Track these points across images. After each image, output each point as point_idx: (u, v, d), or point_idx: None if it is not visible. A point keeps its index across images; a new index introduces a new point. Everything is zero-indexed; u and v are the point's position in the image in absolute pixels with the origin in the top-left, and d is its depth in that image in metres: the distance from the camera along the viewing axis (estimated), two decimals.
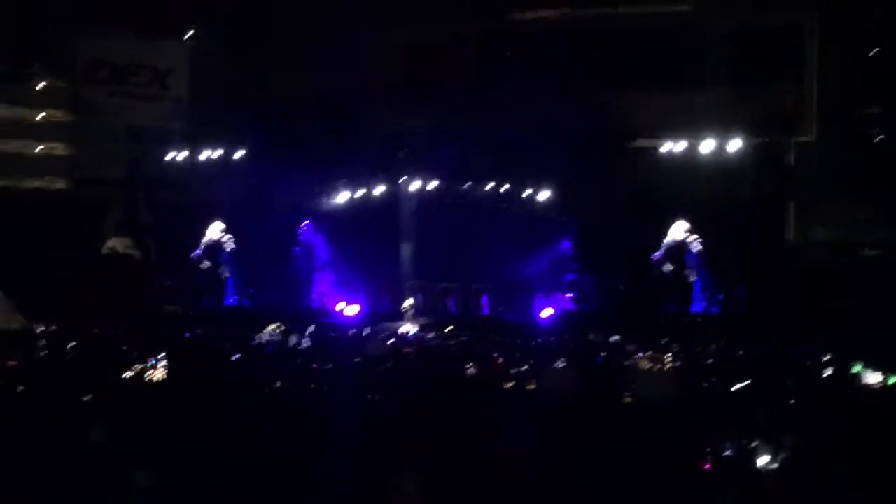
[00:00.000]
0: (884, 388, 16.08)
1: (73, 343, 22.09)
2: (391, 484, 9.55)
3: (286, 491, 9.89)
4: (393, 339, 26.80)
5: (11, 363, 17.67)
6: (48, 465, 10.14)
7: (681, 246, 35.63)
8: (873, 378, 16.49)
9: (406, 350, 23.47)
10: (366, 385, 14.86)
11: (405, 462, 10.08)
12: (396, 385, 15.44)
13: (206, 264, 38.25)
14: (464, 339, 27.16)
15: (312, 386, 15.23)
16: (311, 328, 27.86)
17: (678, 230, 35.57)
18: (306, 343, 25.45)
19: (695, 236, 35.40)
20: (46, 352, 20.02)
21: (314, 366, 18.30)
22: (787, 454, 10.53)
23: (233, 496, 9.72)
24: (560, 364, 16.54)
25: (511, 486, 9.98)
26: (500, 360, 18.30)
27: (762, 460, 10.40)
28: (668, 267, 35.64)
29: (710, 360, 20.85)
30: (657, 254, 35.80)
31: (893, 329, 25.50)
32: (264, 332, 27.29)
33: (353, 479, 9.84)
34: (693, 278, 35.50)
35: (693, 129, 38.16)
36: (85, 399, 13.82)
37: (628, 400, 14.29)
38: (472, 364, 18.60)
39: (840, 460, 10.18)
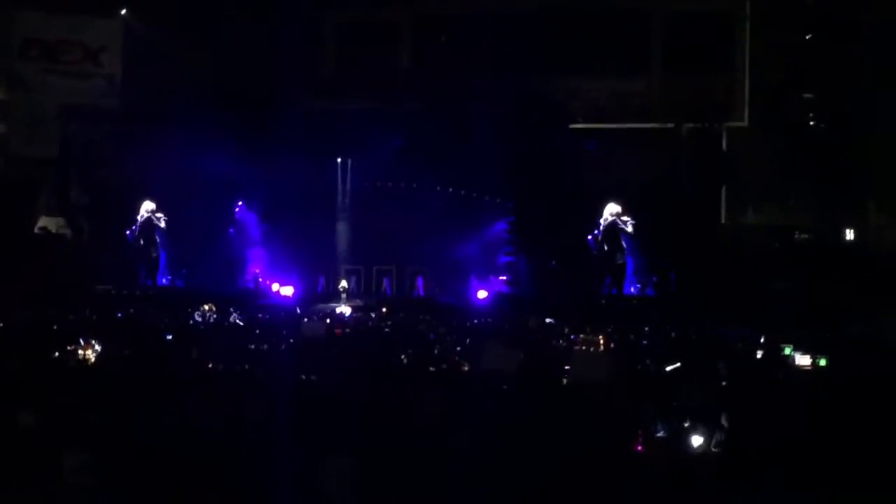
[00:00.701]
0: (814, 370, 16.24)
1: (2, 323, 21.88)
2: (326, 465, 9.53)
3: (219, 472, 9.85)
4: (328, 320, 26.77)
5: None
6: None
7: (614, 228, 35.85)
8: (804, 360, 16.63)
9: (340, 331, 23.44)
10: (301, 365, 14.79)
11: (340, 443, 10.05)
12: (331, 365, 15.38)
13: (138, 243, 38.02)
14: (399, 319, 27.24)
15: (246, 366, 15.13)
16: (237, 310, 27.86)
17: (611, 212, 35.81)
18: (237, 323, 25.39)
19: (627, 218, 35.66)
20: None
21: (250, 346, 18.19)
22: (718, 435, 10.60)
23: (166, 477, 9.65)
24: (496, 345, 16.53)
25: (446, 466, 9.98)
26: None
27: (694, 441, 10.46)
28: (603, 247, 35.88)
29: (644, 342, 20.97)
30: (592, 235, 36.01)
31: (824, 312, 25.80)
32: (198, 312, 27.19)
33: (288, 460, 9.81)
34: (621, 260, 35.81)
35: (628, 114, 38.39)
36: (13, 379, 13.67)
37: (564, 381, 14.31)
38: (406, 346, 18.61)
39: (771, 441, 10.27)
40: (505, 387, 13.27)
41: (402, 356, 17.14)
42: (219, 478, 9.85)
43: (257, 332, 22.42)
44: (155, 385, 12.72)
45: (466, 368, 16.00)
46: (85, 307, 28.58)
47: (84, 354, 16.76)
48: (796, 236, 35.69)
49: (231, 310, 27.77)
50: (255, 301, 34.64)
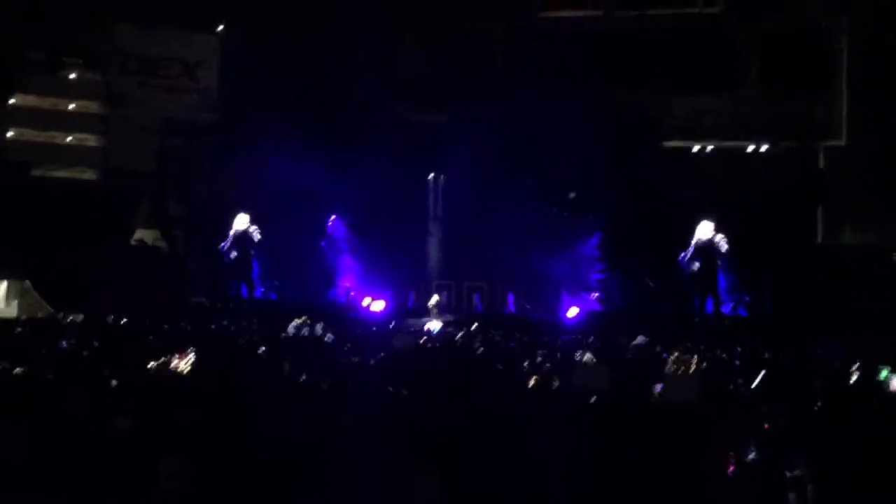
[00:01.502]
0: None
1: (100, 333, 22.22)
2: (415, 479, 9.56)
3: (311, 483, 9.91)
4: (419, 335, 26.84)
5: (39, 352, 17.75)
6: (76, 455, 10.19)
7: (708, 246, 35.57)
8: None
9: (431, 345, 23.50)
10: (391, 379, 14.85)
11: (428, 458, 10.07)
12: (422, 380, 15.42)
13: (233, 255, 38.43)
14: (491, 336, 27.20)
15: (338, 380, 15.20)
16: (328, 324, 28.00)
17: (705, 230, 35.54)
18: (330, 337, 25.50)
19: (721, 236, 35.37)
20: (73, 342, 20.07)
21: (341, 360, 18.29)
22: (811, 459, 10.47)
23: (258, 488, 9.73)
24: (587, 362, 16.50)
25: (533, 484, 9.97)
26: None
27: (786, 465, 10.33)
28: (695, 266, 35.61)
29: (737, 363, 20.78)
30: (685, 253, 35.76)
31: None
32: (291, 325, 27.38)
33: (376, 474, 9.85)
34: (715, 279, 35.51)
35: (723, 132, 38.09)
36: (111, 389, 13.88)
37: (655, 401, 14.24)
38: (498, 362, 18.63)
39: (866, 466, 10.11)
40: (596, 404, 13.22)
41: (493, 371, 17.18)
42: (309, 489, 9.92)
43: (348, 346, 22.53)
44: (248, 396, 12.85)
45: (556, 385, 15.96)
46: (180, 319, 28.96)
47: (178, 365, 16.98)
48: (894, 256, 35.11)
49: (320, 324, 27.91)
50: (347, 315, 34.83)
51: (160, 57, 41.72)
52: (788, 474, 10.16)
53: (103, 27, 40.75)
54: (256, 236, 38.57)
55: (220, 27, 41.60)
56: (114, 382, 14.22)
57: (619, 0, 39.92)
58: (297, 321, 27.96)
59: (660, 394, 14.53)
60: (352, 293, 38.65)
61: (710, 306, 35.74)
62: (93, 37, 40.96)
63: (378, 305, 37.63)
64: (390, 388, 13.80)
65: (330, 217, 39.44)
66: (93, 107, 40.96)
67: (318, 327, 27.18)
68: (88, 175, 41.19)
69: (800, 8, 37.91)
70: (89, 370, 15.15)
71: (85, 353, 17.37)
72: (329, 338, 25.38)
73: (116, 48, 41.34)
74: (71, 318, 27.16)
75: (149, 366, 16.76)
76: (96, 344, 19.71)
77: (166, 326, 25.98)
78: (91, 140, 41.08)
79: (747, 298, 35.42)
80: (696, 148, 38.36)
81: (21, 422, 11.09)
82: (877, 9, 36.87)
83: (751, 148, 37.53)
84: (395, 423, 11.22)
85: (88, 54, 41.28)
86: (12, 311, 31.95)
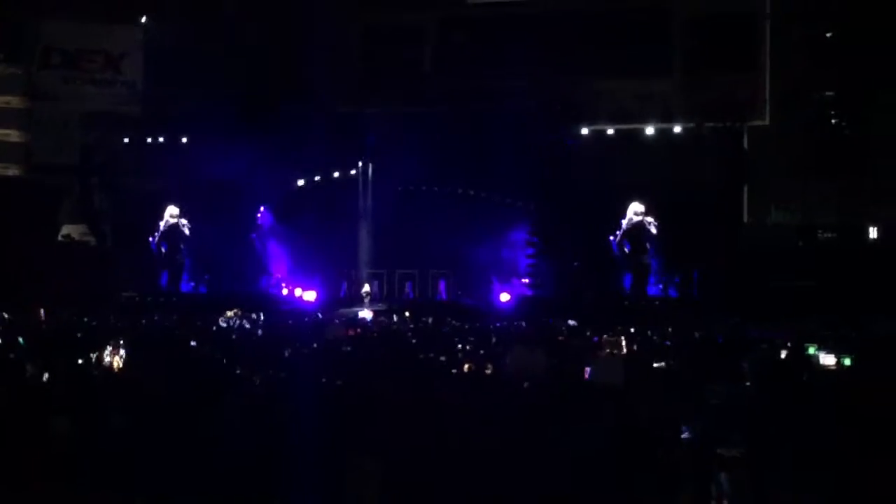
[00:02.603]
0: (839, 370, 16.19)
1: (28, 331, 21.95)
2: (355, 468, 9.58)
3: (251, 476, 9.90)
4: (351, 325, 26.80)
5: None
6: (8, 455, 10.10)
7: (637, 228, 35.85)
8: (828, 360, 16.59)
9: (362, 334, 23.48)
10: (325, 370, 14.83)
11: (365, 448, 10.09)
12: (356, 370, 15.41)
13: (162, 248, 38.20)
14: (424, 323, 27.27)
15: (271, 372, 15.16)
16: (261, 315, 27.88)
17: (635, 211, 35.81)
18: (260, 328, 25.43)
19: (650, 218, 35.66)
20: (1, 340, 19.81)
21: (274, 352, 18.21)
22: (743, 436, 10.59)
23: (198, 482, 9.71)
24: (519, 348, 16.55)
25: (473, 470, 10.02)
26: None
27: (719, 442, 10.44)
28: (625, 248, 35.90)
29: (667, 343, 20.95)
30: (614, 236, 36.01)
31: (848, 311, 25.73)
32: (221, 318, 27.25)
33: (317, 463, 9.86)
34: (645, 261, 35.80)
35: (649, 114, 38.36)
36: (40, 387, 13.74)
37: (586, 384, 14.34)
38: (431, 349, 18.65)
39: (795, 441, 10.25)
40: (529, 389, 13.28)
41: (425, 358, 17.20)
42: (246, 482, 9.91)
43: (281, 336, 22.45)
44: (181, 391, 12.78)
45: (489, 371, 16.01)
46: (109, 314, 28.71)
47: (110, 361, 16.83)
48: (819, 235, 35.55)
49: (252, 315, 27.80)
50: (279, 306, 34.72)
51: (83, 50, 41.34)
52: (721, 453, 10.27)
53: (25, 20, 40.28)
54: (186, 229, 38.36)
55: (144, 18, 41.20)
56: (45, 378, 14.09)
57: None
58: (228, 313, 27.83)
59: (590, 377, 14.63)
60: (283, 284, 38.53)
61: (638, 289, 36.02)
62: (14, 30, 40.44)
63: (310, 296, 37.56)
64: (324, 379, 13.76)
65: (259, 208, 39.26)
66: (15, 101, 40.50)
67: (250, 319, 27.07)
68: (13, 171, 40.70)
69: None
70: (16, 368, 14.97)
71: (11, 355, 17.13)
72: (259, 329, 25.32)
73: (39, 41, 40.87)
74: None
75: (79, 362, 16.60)
76: (22, 342, 19.47)
77: (95, 322, 25.74)
78: (14, 135, 40.62)
79: (677, 280, 35.72)
80: (620, 131, 38.56)
81: None
82: None
83: (677, 129, 37.79)
84: (330, 413, 11.21)
85: (10, 48, 40.76)
86: None
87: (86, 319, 26.22)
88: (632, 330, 22.60)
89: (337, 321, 28.89)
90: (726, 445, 10.32)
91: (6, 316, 26.86)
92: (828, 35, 36.57)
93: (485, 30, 39.90)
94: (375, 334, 23.90)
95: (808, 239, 35.38)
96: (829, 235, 35.56)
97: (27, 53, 40.86)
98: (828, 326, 21.82)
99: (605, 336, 20.03)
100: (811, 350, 17.38)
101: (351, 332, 23.33)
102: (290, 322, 28.38)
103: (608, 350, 18.36)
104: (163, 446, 10.34)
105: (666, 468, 10.32)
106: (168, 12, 40.03)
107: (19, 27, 40.38)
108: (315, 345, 19.72)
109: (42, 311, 27.60)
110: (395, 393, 12.47)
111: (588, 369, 15.08)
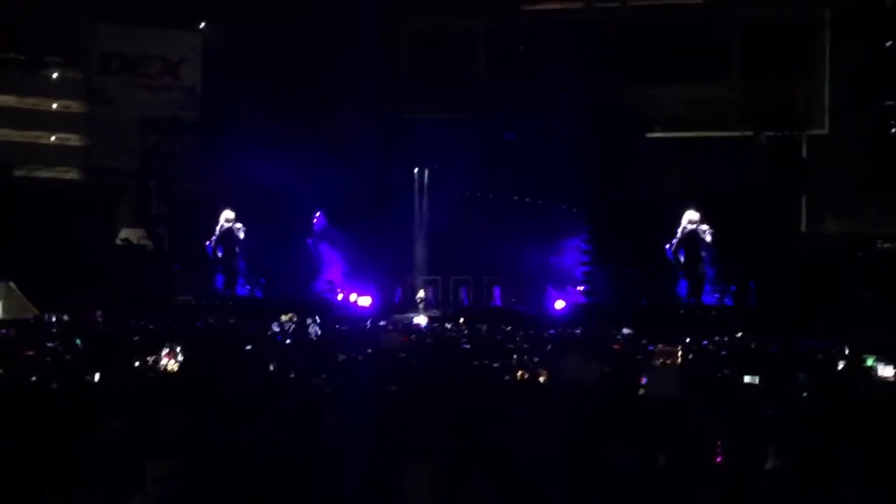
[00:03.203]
0: None
1: (86, 333, 22.16)
2: (405, 474, 9.57)
3: (301, 480, 9.92)
4: (406, 331, 26.83)
5: (26, 353, 17.70)
6: (63, 456, 10.18)
7: (693, 236, 35.64)
8: (887, 371, 16.44)
9: (416, 341, 23.49)
10: (379, 375, 14.86)
11: (419, 453, 10.08)
12: (411, 376, 15.42)
13: (218, 253, 38.40)
14: (479, 329, 27.26)
15: (324, 376, 15.20)
16: (317, 319, 27.89)
17: (690, 220, 35.61)
18: (316, 333, 25.47)
19: (706, 227, 35.45)
20: (59, 342, 20.00)
21: (329, 357, 18.26)
22: (797, 447, 10.50)
23: (248, 487, 9.73)
24: (573, 356, 16.49)
25: (522, 478, 9.99)
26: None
27: (773, 454, 10.35)
28: (681, 256, 35.70)
29: (723, 353, 20.82)
30: (670, 244, 35.83)
31: None
32: (275, 322, 27.32)
33: (367, 469, 9.86)
34: (701, 270, 35.59)
35: (707, 122, 38.17)
36: (96, 390, 13.86)
37: (642, 392, 14.26)
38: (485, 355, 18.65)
39: (853, 454, 10.14)
40: (584, 397, 13.23)
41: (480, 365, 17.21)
42: (298, 487, 9.93)
43: (336, 342, 22.52)
44: (236, 395, 12.84)
45: (543, 379, 15.97)
46: (166, 317, 28.94)
47: (166, 364, 16.97)
48: (878, 245, 35.21)
49: (308, 320, 27.81)
50: (333, 311, 34.79)
51: (141, 55, 41.74)
52: (768, 466, 10.17)
53: (84, 26, 40.70)
54: (241, 233, 38.54)
55: (202, 25, 41.53)
56: (97, 380, 14.23)
57: None
58: (283, 318, 27.90)
59: (644, 388, 14.53)
60: (338, 289, 38.61)
61: (694, 298, 35.82)
62: (74, 36, 40.88)
63: (365, 301, 37.62)
64: (378, 385, 13.79)
65: (315, 213, 39.39)
66: (75, 106, 40.97)
67: (307, 324, 27.13)
68: (72, 175, 41.18)
69: None
70: (74, 371, 15.10)
71: (68, 357, 17.29)
72: (315, 333, 25.39)
73: (98, 47, 41.29)
74: (56, 318, 27.10)
75: (136, 364, 16.75)
76: (79, 344, 19.66)
77: (152, 325, 25.94)
78: (73, 139, 41.09)
79: (733, 288, 35.47)
80: (679, 138, 38.39)
81: (7, 424, 11.08)
82: None
83: (734, 137, 37.55)
84: (384, 420, 11.23)
85: (70, 53, 41.23)
86: None
87: (143, 322, 26.44)
88: (687, 340, 22.46)
89: (391, 327, 28.97)
90: (778, 456, 10.23)
91: (65, 318, 27.19)
92: (887, 44, 36.23)
93: (537, 36, 39.83)
94: (430, 341, 23.91)
95: (866, 249, 35.04)
96: (888, 246, 35.19)
97: (86, 58, 41.28)
98: (886, 338, 21.60)
99: (660, 345, 19.93)
100: (869, 361, 17.23)
101: (405, 339, 23.34)
102: (344, 327, 28.47)
103: (663, 360, 18.27)
104: (217, 449, 10.39)
105: (715, 478, 10.24)
106: (226, 18, 40.26)
107: (78, 32, 40.79)
108: (369, 350, 19.77)
109: (99, 313, 27.88)
110: (448, 400, 12.47)
111: (644, 379, 14.96)
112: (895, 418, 11.85)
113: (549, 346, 21.17)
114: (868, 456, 9.98)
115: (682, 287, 36.18)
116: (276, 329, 26.61)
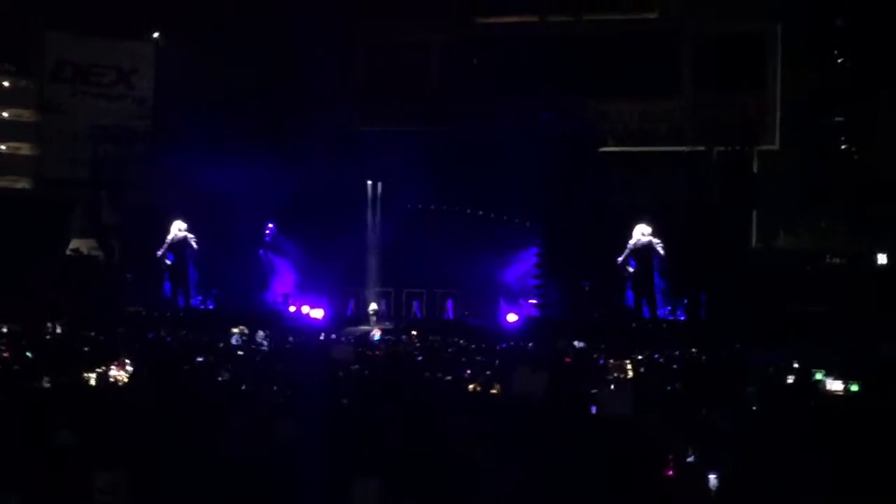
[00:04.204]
0: (846, 396, 16.16)
1: (34, 344, 21.98)
2: (359, 489, 9.54)
3: (253, 494, 9.87)
4: (359, 343, 26.78)
5: None
6: (13, 468, 10.09)
7: (645, 249, 35.83)
8: (835, 385, 16.56)
9: (371, 353, 23.45)
10: (331, 388, 14.82)
11: (369, 467, 10.06)
12: (363, 388, 15.41)
13: (169, 263, 38.24)
14: (431, 342, 27.25)
15: (275, 388, 15.17)
16: (265, 332, 27.77)
17: (641, 234, 35.80)
18: (264, 346, 25.38)
19: (657, 240, 35.64)
20: (6, 352, 19.85)
21: (277, 369, 18.20)
22: (748, 460, 10.56)
23: (200, 499, 9.68)
24: (522, 369, 16.51)
25: (473, 493, 9.99)
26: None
27: (724, 467, 10.40)
28: (631, 269, 35.88)
29: (675, 367, 20.91)
30: (621, 257, 36.00)
31: (855, 337, 25.66)
32: (230, 334, 27.17)
33: (320, 483, 9.83)
34: (652, 283, 35.77)
35: (658, 137, 38.40)
36: (46, 401, 13.76)
37: (593, 406, 14.29)
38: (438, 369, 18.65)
39: (802, 466, 10.22)
40: (534, 410, 13.25)
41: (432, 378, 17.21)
42: (248, 500, 9.89)
43: (287, 354, 22.45)
44: (186, 407, 12.78)
45: (495, 392, 15.99)
46: (116, 328, 28.74)
47: (116, 375, 16.86)
48: (827, 260, 35.50)
49: (259, 332, 27.69)
50: (286, 323, 34.68)
51: (94, 64, 41.50)
52: (713, 477, 10.21)
53: (37, 34, 40.43)
54: (193, 243, 38.39)
55: (155, 34, 41.36)
56: (47, 391, 14.15)
57: (554, 6, 40.11)
58: (234, 330, 27.77)
59: (598, 399, 14.55)
60: (290, 301, 38.49)
61: (646, 311, 35.99)
62: (26, 43, 40.60)
63: (317, 313, 37.52)
64: (329, 398, 13.76)
65: (268, 224, 39.28)
66: (26, 114, 40.67)
67: (257, 336, 27.02)
68: (22, 184, 40.83)
69: (733, 14, 38.25)
70: (23, 382, 15.01)
71: (16, 367, 17.17)
72: (264, 345, 25.30)
73: (50, 55, 41.02)
74: (6, 328, 26.86)
75: (85, 376, 16.63)
76: (29, 355, 19.50)
77: (102, 337, 25.76)
78: (25, 148, 40.78)
79: (685, 302, 35.66)
80: (631, 152, 38.59)
81: None
82: (810, 15, 37.33)
83: (686, 152, 37.77)
84: (334, 432, 11.20)
85: (22, 61, 40.92)
86: None
87: (93, 334, 26.25)
88: (639, 356, 22.51)
89: (343, 339, 28.91)
90: (726, 469, 10.28)
91: (12, 329, 26.94)
92: (839, 60, 36.61)
93: (491, 49, 39.98)
94: (380, 353, 23.87)
95: (816, 264, 35.33)
96: (838, 261, 35.50)
97: (38, 66, 41.00)
98: (836, 352, 21.76)
99: (611, 360, 19.98)
100: (818, 375, 17.35)
101: (360, 351, 23.32)
102: (297, 339, 28.36)
103: (615, 374, 18.32)
104: (166, 461, 10.33)
105: (665, 491, 10.28)
106: (179, 28, 40.15)
107: (31, 40, 40.53)
108: (320, 364, 19.72)
109: (50, 324, 27.66)
110: (399, 413, 12.46)
111: (596, 396, 14.95)
112: (844, 432, 11.94)
113: (496, 361, 21.18)
114: (817, 469, 10.07)
115: (634, 300, 36.36)
116: (232, 342, 26.38)
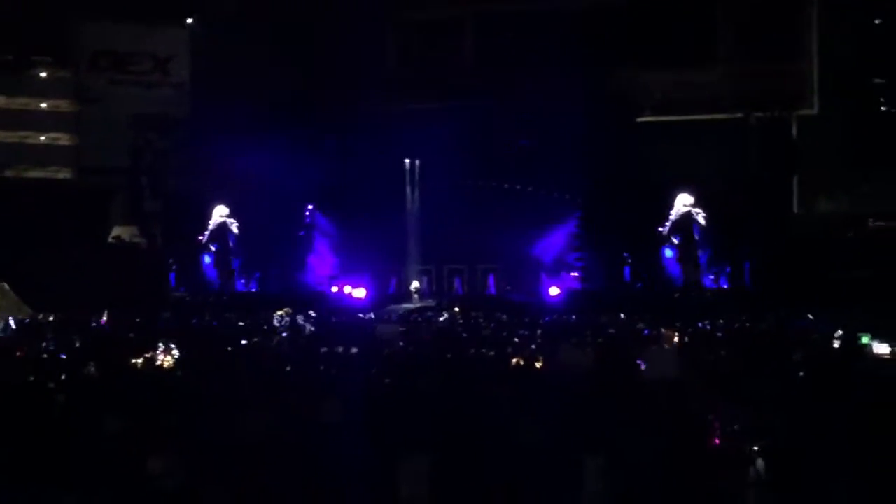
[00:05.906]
0: (893, 359, 16.06)
1: (80, 333, 22.11)
2: (405, 464, 9.58)
3: (299, 473, 9.92)
4: (402, 321, 26.81)
5: (19, 354, 17.69)
6: (63, 455, 10.17)
7: (686, 219, 35.68)
8: (882, 349, 16.46)
9: (411, 330, 23.45)
10: (376, 367, 14.84)
11: (415, 445, 10.09)
12: (407, 366, 15.41)
13: (212, 248, 38.43)
14: (473, 318, 27.22)
15: (322, 368, 15.19)
16: (311, 313, 27.81)
17: (682, 204, 35.65)
18: (310, 327, 25.40)
19: (699, 210, 35.48)
20: (54, 342, 19.97)
21: (323, 349, 18.22)
22: (794, 427, 10.51)
23: (247, 480, 9.74)
24: (568, 344, 16.51)
25: (522, 464, 10.00)
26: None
27: (770, 434, 10.36)
28: (674, 240, 35.75)
29: (719, 335, 20.83)
30: (663, 228, 35.86)
31: None
32: (274, 317, 27.22)
33: (363, 463, 9.87)
34: (695, 252, 35.64)
35: (697, 105, 38.13)
36: (94, 388, 13.84)
37: (639, 377, 14.26)
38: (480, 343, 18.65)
39: (848, 433, 10.15)
40: (580, 383, 13.23)
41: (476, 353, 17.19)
42: (298, 479, 9.93)
43: (331, 334, 22.46)
44: (233, 389, 12.83)
45: (539, 365, 15.97)
46: (161, 314, 28.90)
47: (162, 361, 16.95)
48: (870, 224, 35.21)
49: (301, 316, 27.70)
50: (328, 304, 34.78)
51: (130, 52, 41.54)
52: (756, 446, 10.17)
53: (72, 24, 40.55)
54: (234, 228, 38.53)
55: (190, 20, 41.41)
56: (95, 378, 14.22)
57: None
58: (278, 313, 27.83)
59: (643, 373, 14.52)
60: (333, 282, 38.60)
61: (691, 279, 35.88)
62: (62, 34, 40.72)
63: (359, 293, 37.62)
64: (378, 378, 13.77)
65: (308, 207, 39.37)
66: (64, 105, 40.82)
67: (300, 318, 27.06)
68: (63, 174, 41.04)
69: None
70: (70, 370, 15.08)
71: (63, 356, 17.26)
72: (310, 328, 25.32)
73: (86, 45, 41.15)
74: (51, 318, 27.05)
75: (132, 362, 16.72)
76: (77, 344, 19.61)
77: (147, 323, 25.90)
78: (64, 139, 40.94)
79: (728, 270, 35.51)
80: (670, 122, 38.36)
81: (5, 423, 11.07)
82: None
83: (725, 120, 37.52)
84: (380, 409, 11.23)
85: (58, 52, 41.06)
86: None
87: (137, 320, 26.40)
88: (678, 325, 22.41)
89: (387, 318, 28.96)
90: (769, 435, 10.24)
91: (58, 317, 27.12)
92: (876, 22, 36.22)
93: (526, 23, 39.74)
94: (424, 330, 23.87)
95: (859, 228, 35.05)
96: (880, 224, 35.19)
97: (74, 57, 41.15)
98: (881, 315, 21.60)
99: (662, 329, 19.93)
100: (864, 339, 17.24)
101: (402, 329, 23.33)
102: (341, 319, 28.41)
103: (660, 343, 18.28)
104: (212, 444, 10.39)
105: (711, 456, 10.27)
106: (214, 13, 40.18)
107: (66, 31, 40.64)
108: (366, 342, 19.72)
109: (98, 312, 27.81)
110: (443, 389, 12.47)
111: (641, 364, 14.95)
112: (892, 396, 11.85)
113: (538, 332, 21.17)
114: (865, 435, 10.01)
115: (677, 270, 36.24)
116: (275, 324, 26.42)
